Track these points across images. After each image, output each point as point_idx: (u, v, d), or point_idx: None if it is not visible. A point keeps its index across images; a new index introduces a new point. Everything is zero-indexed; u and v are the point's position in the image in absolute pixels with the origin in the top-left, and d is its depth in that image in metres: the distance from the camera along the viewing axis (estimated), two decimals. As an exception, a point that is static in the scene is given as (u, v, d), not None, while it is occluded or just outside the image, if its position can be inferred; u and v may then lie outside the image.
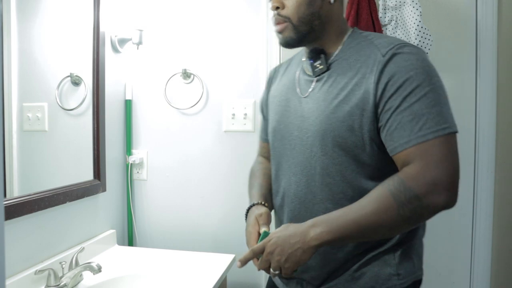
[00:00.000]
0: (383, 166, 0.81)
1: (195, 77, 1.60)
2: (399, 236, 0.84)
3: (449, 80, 1.57)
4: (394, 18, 1.47)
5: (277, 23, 0.88)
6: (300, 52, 1.03)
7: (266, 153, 1.12)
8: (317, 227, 0.76)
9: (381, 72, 0.77)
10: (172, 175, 1.63)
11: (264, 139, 1.13)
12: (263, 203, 0.95)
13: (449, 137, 0.73)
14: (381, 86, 0.77)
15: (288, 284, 0.97)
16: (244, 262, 0.82)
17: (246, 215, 0.96)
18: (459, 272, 1.55)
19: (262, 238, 0.85)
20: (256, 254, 0.82)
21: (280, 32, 0.89)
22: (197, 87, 1.60)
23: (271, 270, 0.80)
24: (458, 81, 1.51)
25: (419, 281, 0.87)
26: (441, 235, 1.55)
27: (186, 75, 1.59)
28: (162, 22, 1.62)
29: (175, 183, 1.63)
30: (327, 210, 0.82)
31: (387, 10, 1.47)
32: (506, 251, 1.52)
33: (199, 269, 1.26)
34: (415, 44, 1.39)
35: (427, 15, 1.48)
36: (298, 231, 0.78)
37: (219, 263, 1.30)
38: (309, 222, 0.78)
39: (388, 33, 1.47)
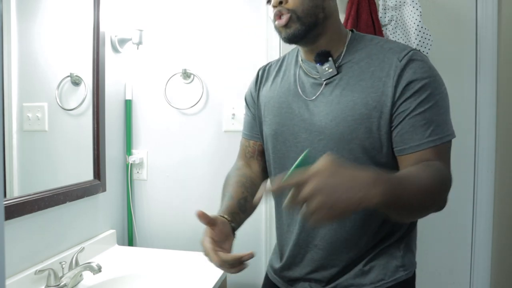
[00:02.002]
0: (396, 164, 0.83)
1: (195, 77, 1.60)
2: (403, 229, 0.88)
3: (449, 80, 1.56)
4: (394, 18, 1.47)
5: (280, 15, 0.85)
6: (292, 53, 1.01)
7: (251, 152, 1.06)
8: (381, 184, 0.62)
9: (400, 76, 0.80)
10: (172, 175, 1.63)
11: (251, 136, 1.06)
12: (225, 216, 0.85)
13: (449, 143, 0.80)
14: (399, 89, 0.80)
15: (293, 286, 0.96)
16: (278, 189, 0.61)
17: None
18: (459, 272, 1.55)
19: (301, 164, 0.63)
20: (293, 184, 0.61)
21: (284, 25, 0.85)
22: (197, 87, 1.60)
23: (302, 209, 0.61)
24: (458, 81, 1.51)
25: (415, 271, 0.93)
26: (441, 235, 1.55)
27: (186, 75, 1.59)
28: (162, 22, 1.62)
29: (175, 183, 1.63)
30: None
31: (387, 10, 1.47)
32: (506, 251, 1.52)
33: (199, 269, 1.26)
34: (415, 44, 1.40)
35: (427, 15, 1.48)
36: (359, 177, 0.61)
37: (219, 263, 1.30)
38: (370, 174, 0.62)
39: (388, 33, 1.47)
